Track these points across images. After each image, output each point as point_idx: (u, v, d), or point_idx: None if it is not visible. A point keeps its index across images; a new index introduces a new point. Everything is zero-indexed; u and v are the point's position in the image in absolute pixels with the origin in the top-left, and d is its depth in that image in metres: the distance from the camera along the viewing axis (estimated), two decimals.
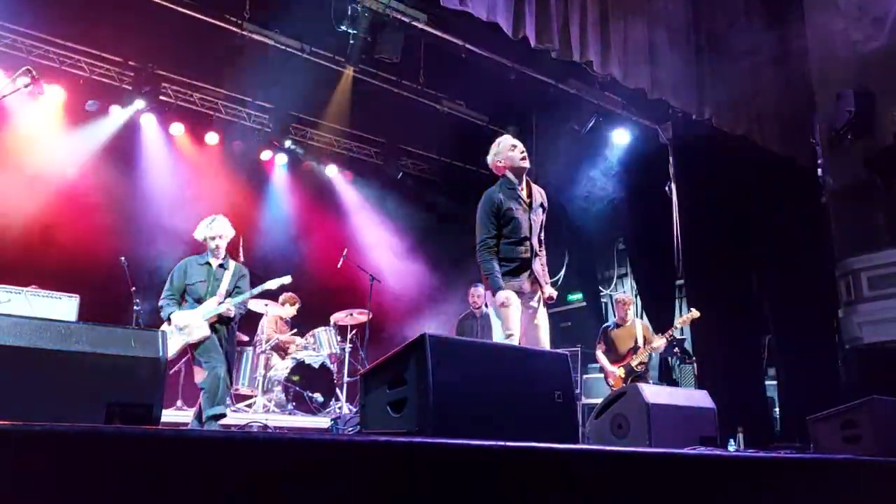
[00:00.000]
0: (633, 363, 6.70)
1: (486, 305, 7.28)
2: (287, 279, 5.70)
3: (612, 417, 3.84)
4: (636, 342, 6.79)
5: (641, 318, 8.04)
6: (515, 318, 4.08)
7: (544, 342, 4.21)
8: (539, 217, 4.37)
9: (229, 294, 5.35)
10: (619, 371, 6.74)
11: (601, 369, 7.07)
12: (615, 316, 7.22)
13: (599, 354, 7.02)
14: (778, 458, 2.78)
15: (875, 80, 7.57)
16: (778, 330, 8.05)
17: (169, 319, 5.21)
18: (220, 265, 5.43)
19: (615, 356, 6.89)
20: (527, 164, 4.37)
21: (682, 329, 7.15)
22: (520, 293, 4.16)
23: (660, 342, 6.70)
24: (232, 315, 5.30)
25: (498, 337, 4.08)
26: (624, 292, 8.72)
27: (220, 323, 5.28)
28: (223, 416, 5.08)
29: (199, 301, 5.24)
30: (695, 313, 6.59)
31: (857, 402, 4.00)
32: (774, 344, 8.11)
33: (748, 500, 2.46)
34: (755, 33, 7.74)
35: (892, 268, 7.23)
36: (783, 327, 7.98)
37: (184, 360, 7.23)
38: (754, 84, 7.62)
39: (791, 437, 6.98)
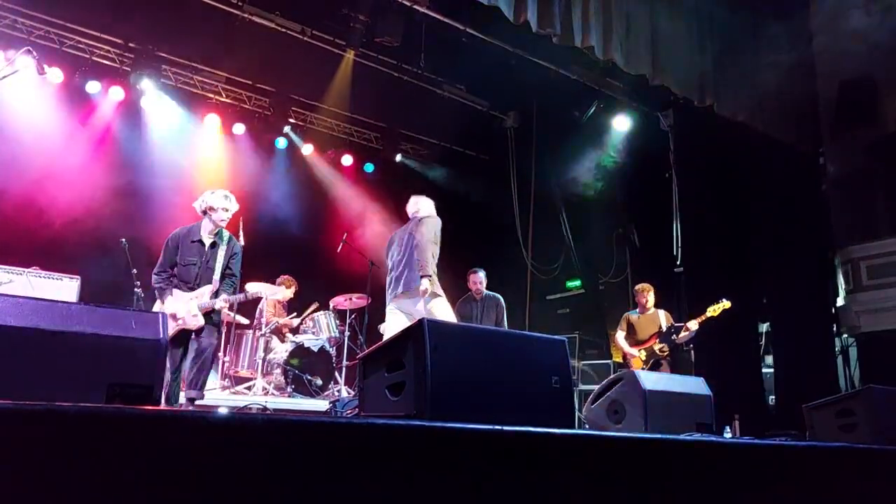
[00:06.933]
0: (657, 347, 6.73)
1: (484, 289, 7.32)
2: (288, 294, 5.52)
3: (609, 403, 3.85)
4: (660, 328, 6.81)
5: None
6: None
7: None
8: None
9: (222, 276, 5.14)
10: (641, 354, 6.80)
11: (622, 353, 7.07)
12: (634, 304, 7.24)
13: (619, 338, 7.05)
14: (773, 445, 2.79)
15: (879, 68, 7.54)
16: (776, 317, 8.07)
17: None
18: (213, 244, 5.17)
19: (634, 341, 6.95)
20: None
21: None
22: None
23: (695, 327, 6.54)
24: (228, 309, 5.16)
25: None
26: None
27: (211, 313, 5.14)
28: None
29: (190, 287, 5.05)
30: (726, 303, 6.47)
31: (853, 391, 4.02)
32: (772, 331, 8.13)
33: (744, 487, 2.48)
34: (759, 20, 7.68)
35: (892, 257, 7.23)
36: (781, 315, 7.99)
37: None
38: (756, 71, 7.57)
39: (787, 424, 7.01)
